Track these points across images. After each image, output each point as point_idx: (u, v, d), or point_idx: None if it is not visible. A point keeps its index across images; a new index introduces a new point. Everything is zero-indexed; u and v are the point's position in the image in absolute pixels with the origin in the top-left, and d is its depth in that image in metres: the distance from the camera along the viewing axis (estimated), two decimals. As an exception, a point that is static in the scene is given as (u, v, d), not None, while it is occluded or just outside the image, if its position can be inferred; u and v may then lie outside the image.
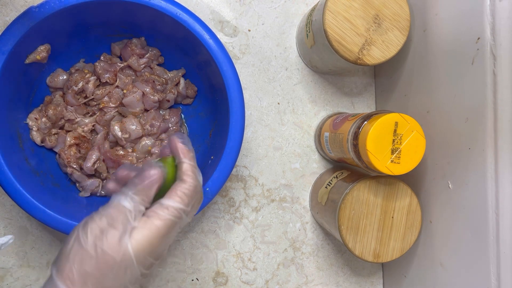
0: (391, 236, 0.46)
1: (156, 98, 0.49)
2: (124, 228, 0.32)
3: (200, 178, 0.37)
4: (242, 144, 0.49)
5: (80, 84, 0.49)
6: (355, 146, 0.44)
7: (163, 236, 0.33)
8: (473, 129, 0.40)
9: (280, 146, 0.56)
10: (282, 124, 0.56)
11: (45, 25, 0.44)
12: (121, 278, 0.32)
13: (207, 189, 0.45)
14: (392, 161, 0.42)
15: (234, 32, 0.55)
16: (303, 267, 0.56)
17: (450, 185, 0.44)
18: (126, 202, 0.34)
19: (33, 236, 0.51)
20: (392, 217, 0.46)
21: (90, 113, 0.50)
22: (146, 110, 0.50)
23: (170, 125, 0.51)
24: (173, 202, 0.34)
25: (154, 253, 0.33)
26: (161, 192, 0.35)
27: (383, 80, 0.57)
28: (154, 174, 0.34)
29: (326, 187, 0.52)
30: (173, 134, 0.38)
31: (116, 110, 0.50)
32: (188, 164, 0.36)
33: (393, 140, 0.42)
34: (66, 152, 0.48)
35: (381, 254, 0.46)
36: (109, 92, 0.49)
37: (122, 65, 0.50)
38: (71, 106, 0.49)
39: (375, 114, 0.43)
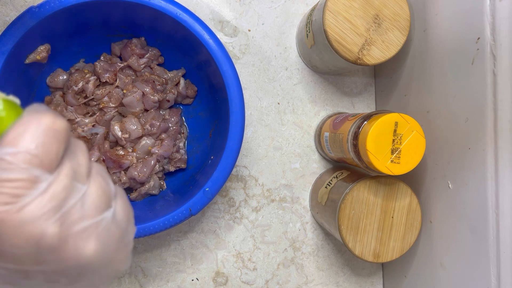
0: (391, 236, 0.46)
1: (156, 98, 0.49)
2: None
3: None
4: (242, 144, 0.49)
5: (80, 84, 0.49)
6: (355, 146, 0.44)
7: None
8: (473, 129, 0.40)
9: (280, 146, 0.56)
10: (282, 124, 0.56)
11: (45, 25, 0.44)
12: None
13: (207, 189, 0.45)
14: (392, 161, 0.42)
15: (234, 32, 0.55)
16: (303, 267, 0.56)
17: (450, 185, 0.44)
18: None
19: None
20: (392, 217, 0.46)
21: (90, 113, 0.50)
22: (146, 110, 0.50)
23: (170, 125, 0.51)
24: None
25: None
26: None
27: (383, 80, 0.57)
28: None
29: (326, 187, 0.52)
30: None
31: (116, 110, 0.50)
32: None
33: (393, 140, 0.42)
34: (66, 152, 0.48)
35: (381, 254, 0.46)
36: (109, 92, 0.49)
37: (122, 65, 0.50)
38: (71, 106, 0.49)
39: (375, 114, 0.43)
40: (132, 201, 0.50)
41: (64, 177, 0.23)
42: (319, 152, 0.56)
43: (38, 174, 0.22)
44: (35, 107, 0.24)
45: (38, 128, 0.22)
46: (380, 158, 0.41)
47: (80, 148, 0.25)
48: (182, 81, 0.52)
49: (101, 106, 0.49)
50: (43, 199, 0.22)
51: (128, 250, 0.26)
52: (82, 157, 0.24)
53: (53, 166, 0.23)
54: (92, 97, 0.49)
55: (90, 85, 0.49)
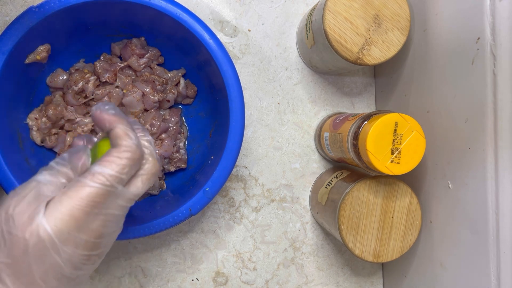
0: (391, 236, 0.46)
1: (156, 98, 0.49)
2: (37, 204, 0.27)
3: (140, 141, 0.32)
4: (242, 144, 0.49)
5: (80, 84, 0.49)
6: (355, 146, 0.44)
7: (90, 207, 0.28)
8: (473, 129, 0.40)
9: (280, 146, 0.56)
10: (282, 124, 0.56)
11: (45, 25, 0.44)
12: (48, 262, 0.27)
13: (207, 189, 0.45)
14: (392, 161, 0.42)
15: (234, 32, 0.55)
16: (303, 267, 0.56)
17: (450, 185, 0.44)
18: (40, 175, 0.29)
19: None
20: (392, 217, 0.46)
21: (90, 113, 0.50)
22: (146, 110, 0.50)
23: (170, 125, 0.51)
24: (101, 167, 0.29)
25: (86, 230, 0.28)
26: None
27: (383, 80, 0.57)
28: (76, 146, 0.32)
29: (326, 187, 0.52)
30: (96, 105, 0.33)
31: (116, 110, 0.50)
32: (119, 129, 0.31)
33: (393, 140, 0.42)
34: (66, 152, 0.48)
35: (381, 254, 0.46)
36: (109, 92, 0.49)
37: (122, 65, 0.50)
38: (71, 106, 0.49)
39: (375, 114, 0.43)
40: (132, 201, 0.50)
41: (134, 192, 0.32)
42: (319, 152, 0.56)
43: (118, 188, 0.30)
44: (118, 135, 0.31)
45: (121, 160, 0.30)
46: (380, 158, 0.41)
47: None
48: (182, 81, 0.52)
49: (101, 106, 0.49)
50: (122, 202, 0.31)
51: None
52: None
53: (125, 181, 0.31)
54: (92, 97, 0.49)
55: (90, 85, 0.49)
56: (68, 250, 0.27)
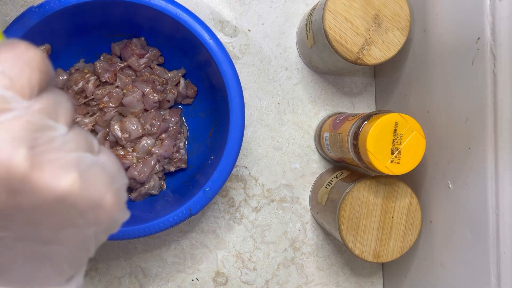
0: (391, 236, 0.46)
1: (156, 98, 0.49)
2: None
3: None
4: (242, 144, 0.49)
5: (80, 84, 0.49)
6: (355, 146, 0.44)
7: None
8: (473, 129, 0.40)
9: (280, 146, 0.56)
10: (282, 124, 0.56)
11: (45, 25, 0.44)
12: None
13: (207, 189, 0.45)
14: (392, 161, 0.42)
15: (234, 32, 0.55)
16: (303, 267, 0.56)
17: (450, 185, 0.44)
18: None
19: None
20: (392, 217, 0.46)
21: (90, 113, 0.50)
22: (146, 110, 0.50)
23: (170, 125, 0.51)
24: None
25: None
26: None
27: (383, 80, 0.57)
28: None
29: (326, 187, 0.52)
30: None
31: (116, 110, 0.50)
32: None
33: (393, 140, 0.42)
34: (66, 152, 0.48)
35: (381, 254, 0.46)
36: (109, 92, 0.49)
37: (122, 65, 0.50)
38: (71, 106, 0.49)
39: (375, 114, 0.43)
40: (132, 201, 0.50)
41: (40, 106, 0.21)
42: (319, 152, 0.56)
43: (7, 95, 0.20)
44: (13, 39, 0.22)
45: (8, 53, 0.21)
46: (380, 158, 0.41)
47: (62, 95, 0.23)
48: (182, 81, 0.52)
49: (101, 106, 0.49)
50: (11, 121, 0.20)
51: (121, 198, 0.24)
52: (64, 101, 0.23)
53: (25, 93, 0.21)
54: (92, 97, 0.49)
55: (90, 85, 0.49)
56: None
